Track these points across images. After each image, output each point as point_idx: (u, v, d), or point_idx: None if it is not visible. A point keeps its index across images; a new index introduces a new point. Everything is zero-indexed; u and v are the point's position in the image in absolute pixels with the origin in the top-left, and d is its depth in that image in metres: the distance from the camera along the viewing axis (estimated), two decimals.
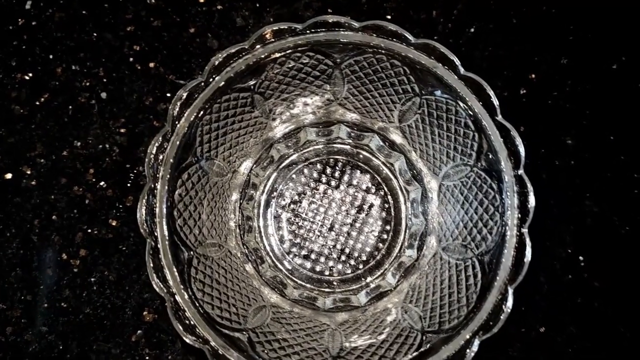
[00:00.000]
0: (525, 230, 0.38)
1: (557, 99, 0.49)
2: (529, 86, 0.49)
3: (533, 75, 0.49)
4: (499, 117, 0.38)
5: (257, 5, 0.50)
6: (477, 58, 0.49)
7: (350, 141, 0.46)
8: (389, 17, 0.50)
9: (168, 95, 0.49)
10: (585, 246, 0.48)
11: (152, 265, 0.37)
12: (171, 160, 0.37)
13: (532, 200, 0.37)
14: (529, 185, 0.38)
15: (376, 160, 0.46)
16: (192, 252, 0.39)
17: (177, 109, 0.37)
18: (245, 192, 0.45)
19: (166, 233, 0.37)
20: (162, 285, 0.37)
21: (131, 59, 0.49)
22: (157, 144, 0.38)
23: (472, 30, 0.50)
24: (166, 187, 0.38)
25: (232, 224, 0.44)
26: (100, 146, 0.48)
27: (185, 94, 0.38)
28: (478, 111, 0.38)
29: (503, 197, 0.38)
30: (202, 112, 0.38)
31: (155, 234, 0.37)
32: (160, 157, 0.38)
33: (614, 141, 0.49)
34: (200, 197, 0.40)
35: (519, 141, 0.38)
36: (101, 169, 0.48)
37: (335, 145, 0.47)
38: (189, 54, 0.49)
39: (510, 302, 0.37)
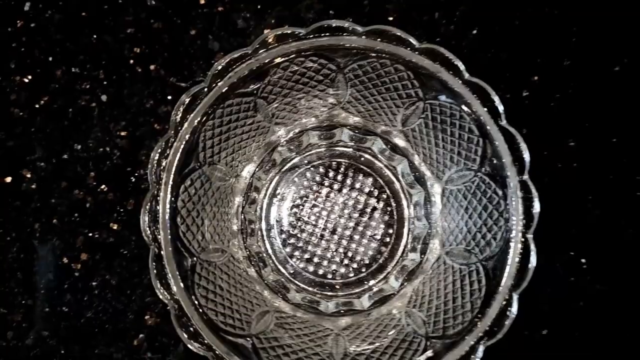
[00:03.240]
0: (530, 236, 0.37)
1: (559, 101, 0.49)
2: (531, 88, 0.49)
3: (536, 78, 0.49)
4: (504, 123, 0.38)
5: (259, 7, 0.49)
6: (480, 60, 0.49)
7: (353, 144, 0.46)
8: (391, 18, 0.49)
9: (169, 98, 0.48)
10: (588, 249, 0.48)
11: (155, 272, 0.37)
12: (174, 166, 0.37)
13: (536, 206, 0.37)
14: (533, 190, 0.38)
15: (379, 163, 0.46)
16: (195, 259, 0.39)
17: (180, 115, 0.37)
18: (248, 196, 0.45)
19: (170, 240, 0.37)
20: (166, 293, 0.37)
21: (131, 62, 0.49)
22: (159, 150, 0.37)
23: (475, 32, 0.49)
24: (169, 194, 0.37)
25: (234, 228, 0.44)
26: (101, 149, 0.48)
27: (187, 100, 0.38)
28: (482, 116, 0.38)
29: (507, 202, 0.38)
30: (205, 118, 0.38)
31: (159, 240, 0.37)
32: (163, 163, 0.38)
33: (616, 143, 0.49)
34: (203, 202, 0.40)
35: (523, 147, 0.38)
36: (102, 172, 0.48)
37: (337, 148, 0.47)
38: (190, 57, 0.49)
39: (514, 308, 0.37)
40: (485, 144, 0.39)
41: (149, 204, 0.37)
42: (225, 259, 0.42)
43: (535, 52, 0.49)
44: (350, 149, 0.46)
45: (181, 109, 0.37)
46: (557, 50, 0.49)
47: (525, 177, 0.38)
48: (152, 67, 0.49)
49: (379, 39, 0.39)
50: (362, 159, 0.46)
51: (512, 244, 0.38)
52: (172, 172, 0.37)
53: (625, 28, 0.50)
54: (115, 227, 0.47)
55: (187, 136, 0.37)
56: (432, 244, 0.44)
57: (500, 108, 0.38)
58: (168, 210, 0.37)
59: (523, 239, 0.38)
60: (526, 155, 0.38)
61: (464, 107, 0.39)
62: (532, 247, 0.37)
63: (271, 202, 0.46)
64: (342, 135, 0.46)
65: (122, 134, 0.48)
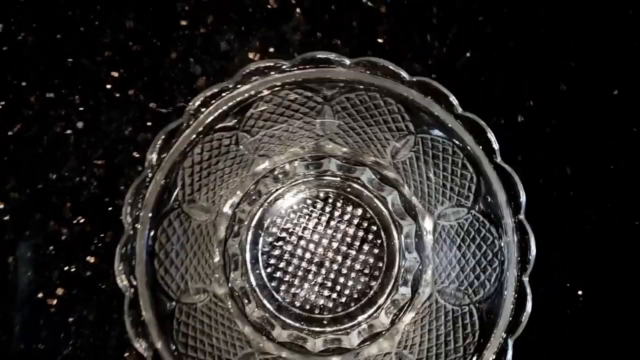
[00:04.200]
0: (526, 279, 0.36)
1: (555, 127, 0.47)
2: (527, 113, 0.47)
3: (531, 102, 0.47)
4: (499, 160, 0.36)
5: (242, 28, 0.47)
6: (473, 83, 0.47)
7: (341, 174, 0.44)
8: (380, 40, 0.47)
9: (149, 124, 0.46)
10: (585, 280, 0.46)
11: (131, 319, 0.35)
12: (151, 208, 0.35)
13: (533, 248, 0.36)
14: (530, 232, 0.36)
15: (368, 193, 0.44)
16: (174, 303, 0.37)
17: (156, 154, 0.35)
18: (232, 229, 0.43)
19: (147, 286, 0.35)
20: (143, 342, 0.35)
21: (109, 86, 0.47)
22: (134, 190, 0.35)
23: (468, 55, 0.47)
24: (146, 237, 0.35)
25: (216, 264, 0.42)
26: (77, 179, 0.46)
27: (164, 136, 0.35)
28: (476, 153, 0.36)
29: (502, 243, 0.36)
30: (182, 156, 0.36)
31: (135, 286, 0.35)
32: (140, 203, 0.36)
33: (614, 170, 0.47)
34: (182, 242, 0.38)
35: (519, 186, 0.36)
36: (78, 203, 0.46)
37: (325, 178, 0.45)
38: (171, 81, 0.47)
39: (509, 356, 0.35)
40: (479, 182, 0.37)
41: (123, 247, 0.34)
42: (207, 299, 0.40)
43: (530, 76, 0.47)
44: (339, 179, 0.45)
45: (157, 146, 0.35)
46: (554, 73, 0.47)
47: (521, 216, 0.36)
48: (130, 91, 0.46)
49: (367, 72, 0.37)
50: (351, 189, 0.44)
51: (507, 288, 0.36)
52: (149, 214, 0.35)
53: (624, 50, 0.48)
54: (92, 261, 0.45)
55: (163, 176, 0.35)
56: (424, 280, 0.42)
57: (495, 146, 0.36)
58: (145, 254, 0.35)
59: (518, 283, 0.36)
60: (522, 195, 0.36)
61: (456, 142, 0.37)
62: (528, 291, 0.36)
63: (256, 234, 0.44)
64: (330, 165, 0.44)
65: (100, 162, 0.46)
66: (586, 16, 0.48)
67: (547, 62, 0.47)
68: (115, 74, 0.47)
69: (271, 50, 0.47)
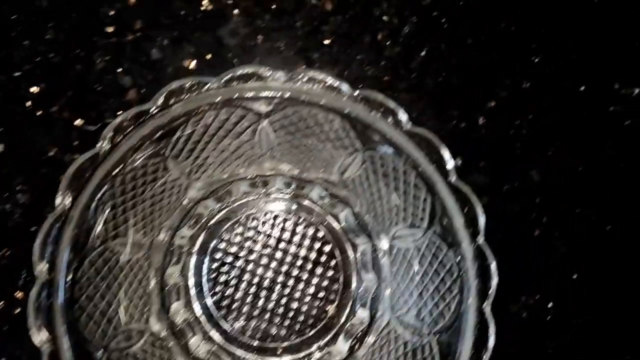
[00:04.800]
0: (487, 309, 0.33)
1: (519, 128, 0.44)
2: (488, 115, 0.44)
3: (492, 103, 0.44)
4: (454, 180, 0.33)
5: (175, 33, 0.43)
6: (430, 85, 0.44)
7: (289, 191, 0.41)
8: (327, 41, 0.43)
9: (75, 143, 0.42)
10: (554, 290, 0.43)
11: None
12: (67, 251, 0.31)
13: (494, 276, 0.32)
14: (490, 257, 0.32)
15: (319, 211, 0.41)
16: (103, 351, 0.34)
17: (68, 197, 0.31)
18: (170, 258, 0.39)
19: (68, 338, 0.31)
20: None
21: (29, 103, 0.42)
22: (45, 231, 0.31)
23: (423, 54, 0.44)
24: (62, 284, 0.31)
25: (153, 299, 0.38)
26: None
27: (75, 169, 0.31)
28: (429, 172, 0.33)
29: (461, 270, 0.33)
30: (102, 190, 0.32)
31: (53, 338, 0.31)
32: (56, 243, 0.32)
33: (583, 172, 0.44)
34: (109, 282, 0.34)
35: (478, 208, 0.32)
36: (2, 233, 0.41)
37: (272, 196, 0.41)
38: (98, 94, 0.42)
39: None
40: (433, 202, 0.34)
41: (35, 301, 0.31)
42: (143, 340, 0.36)
43: (491, 75, 0.44)
44: (287, 196, 0.41)
45: (66, 182, 0.31)
46: (516, 71, 0.44)
47: (481, 241, 0.33)
48: (53, 108, 0.42)
49: (306, 85, 0.33)
50: (301, 207, 0.41)
51: (467, 320, 0.33)
52: (65, 258, 0.31)
53: (590, 44, 0.44)
54: (19, 296, 0.41)
55: (79, 215, 0.31)
56: (382, 304, 0.39)
57: (450, 164, 0.32)
58: (62, 302, 0.31)
59: (479, 312, 0.33)
60: (481, 217, 0.32)
61: (407, 160, 0.33)
62: (491, 323, 0.32)
63: (200, 260, 0.40)
64: (277, 183, 0.40)
65: (23, 188, 0.42)
66: (549, 7, 0.44)
67: (508, 58, 0.44)
68: (36, 90, 0.42)
69: (208, 57, 0.43)
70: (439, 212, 0.34)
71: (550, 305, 0.43)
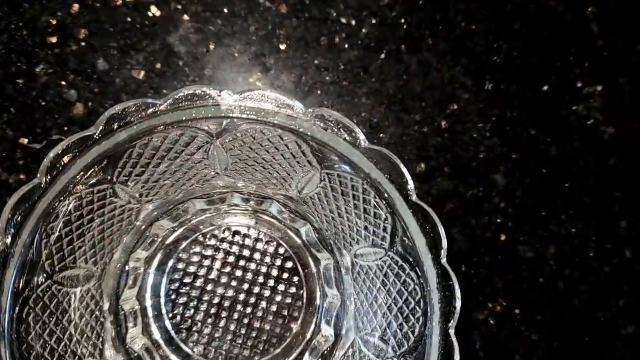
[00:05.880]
0: (451, 331, 0.32)
1: (482, 131, 0.43)
2: (450, 118, 0.42)
3: (455, 106, 0.42)
4: (414, 198, 0.31)
5: (123, 42, 0.41)
6: (390, 88, 0.42)
7: (248, 207, 0.39)
8: (283, 46, 0.42)
9: (20, 163, 0.40)
10: (520, 298, 0.42)
11: None
12: (9, 291, 0.29)
13: (458, 297, 0.31)
14: (454, 278, 0.31)
15: (280, 225, 0.40)
16: None
17: (10, 227, 0.29)
18: (125, 282, 0.38)
19: None
20: None
21: None
22: None
23: (383, 56, 0.42)
24: (7, 325, 0.30)
25: (108, 326, 0.37)
26: None
27: (16, 200, 0.30)
28: (388, 191, 0.32)
29: (424, 291, 0.32)
30: (44, 223, 0.30)
31: None
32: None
33: (547, 174, 0.43)
34: (58, 318, 0.33)
35: (440, 227, 0.31)
36: None
37: (230, 212, 0.39)
38: (42, 110, 0.40)
39: None
40: (394, 222, 0.33)
41: None
42: None
43: (451, 76, 0.42)
44: (247, 212, 0.39)
45: (7, 215, 0.29)
46: (477, 71, 0.43)
47: (443, 261, 0.32)
48: None
49: (257, 104, 0.31)
50: (261, 222, 0.39)
51: (431, 342, 0.32)
52: (8, 299, 0.29)
53: (553, 42, 0.43)
54: None
55: (21, 250, 0.30)
56: (347, 322, 0.38)
57: (410, 185, 0.31)
58: (6, 344, 0.30)
59: (444, 335, 0.32)
60: (443, 238, 0.31)
61: (365, 178, 0.32)
62: (455, 344, 0.32)
63: (157, 282, 0.39)
64: (234, 199, 0.39)
65: None
66: (510, 7, 0.43)
67: (469, 59, 0.43)
68: None
69: (158, 66, 0.41)
70: (400, 232, 0.32)
71: (517, 311, 0.42)
